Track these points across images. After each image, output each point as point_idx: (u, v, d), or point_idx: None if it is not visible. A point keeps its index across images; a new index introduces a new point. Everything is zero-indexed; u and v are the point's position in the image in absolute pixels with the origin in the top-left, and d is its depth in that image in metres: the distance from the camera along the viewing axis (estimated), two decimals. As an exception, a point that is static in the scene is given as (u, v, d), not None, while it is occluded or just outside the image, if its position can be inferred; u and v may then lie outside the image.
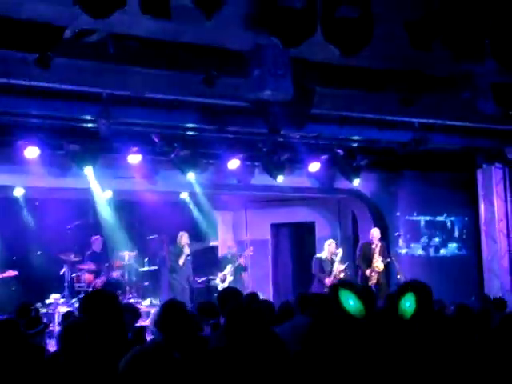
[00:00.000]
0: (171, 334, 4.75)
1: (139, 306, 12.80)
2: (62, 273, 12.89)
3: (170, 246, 13.25)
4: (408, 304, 3.54)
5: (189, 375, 3.29)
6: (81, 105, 9.24)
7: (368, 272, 12.45)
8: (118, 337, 4.42)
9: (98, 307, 4.43)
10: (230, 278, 13.33)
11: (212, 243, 13.64)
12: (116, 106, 9.21)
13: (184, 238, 12.85)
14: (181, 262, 12.67)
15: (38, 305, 10.75)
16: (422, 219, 14.19)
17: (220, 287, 13.24)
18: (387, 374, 3.45)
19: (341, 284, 3.69)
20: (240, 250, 14.06)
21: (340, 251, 12.84)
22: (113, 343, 4.21)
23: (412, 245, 14.06)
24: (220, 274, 13.50)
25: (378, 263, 12.46)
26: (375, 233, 12.83)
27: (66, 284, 12.91)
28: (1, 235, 12.25)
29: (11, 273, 12.32)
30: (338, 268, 12.60)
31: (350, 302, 3.50)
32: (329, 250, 12.77)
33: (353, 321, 3.49)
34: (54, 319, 11.34)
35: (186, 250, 12.71)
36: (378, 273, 12.49)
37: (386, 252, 12.77)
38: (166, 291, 13.48)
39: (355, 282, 12.00)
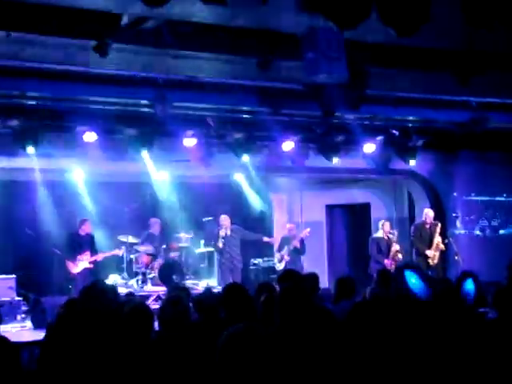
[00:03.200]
0: (234, 314, 4.86)
1: (196, 287, 13.06)
2: (120, 254, 13.19)
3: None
4: (469, 288, 3.55)
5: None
6: (137, 90, 9.36)
7: (429, 252, 12.39)
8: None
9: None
10: (286, 259, 13.39)
11: (265, 239, 13.64)
12: (171, 90, 9.32)
13: (222, 220, 12.92)
14: (219, 243, 12.75)
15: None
16: (480, 199, 13.97)
17: (277, 267, 13.34)
18: (448, 355, 3.45)
19: (406, 265, 3.72)
20: (296, 232, 14.10)
21: (395, 232, 12.80)
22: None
23: (470, 225, 13.87)
24: (277, 255, 13.56)
25: (440, 243, 12.44)
26: (430, 213, 12.76)
27: (124, 265, 13.22)
28: (62, 218, 12.55)
29: (117, 251, 12.67)
30: (395, 248, 12.56)
31: (415, 282, 3.52)
32: (384, 229, 12.72)
33: (417, 301, 3.51)
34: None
35: (222, 232, 12.78)
36: (440, 252, 12.47)
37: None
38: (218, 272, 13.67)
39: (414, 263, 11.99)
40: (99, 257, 12.14)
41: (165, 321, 4.56)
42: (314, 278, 6.87)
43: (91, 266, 11.96)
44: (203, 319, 5.29)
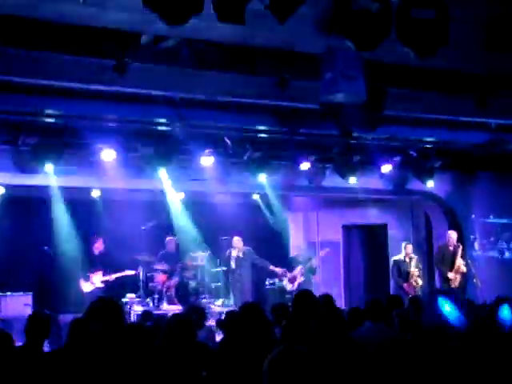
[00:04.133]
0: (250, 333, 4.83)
1: (212, 306, 13.01)
2: (136, 273, 13.18)
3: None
4: (505, 314, 3.48)
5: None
6: (155, 108, 9.40)
7: (450, 275, 12.30)
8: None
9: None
10: (300, 279, 13.32)
11: (271, 268, 13.58)
12: (189, 109, 9.36)
13: (235, 242, 12.94)
14: (232, 264, 12.75)
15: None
16: (499, 222, 13.83)
17: (288, 288, 13.28)
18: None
19: (439, 291, 3.67)
20: (310, 252, 14.05)
21: (415, 257, 12.71)
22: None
23: (488, 248, 13.73)
24: (288, 275, 13.51)
25: (462, 266, 12.36)
26: (453, 235, 12.69)
27: (140, 284, 13.21)
28: (78, 235, 12.58)
29: (130, 272, 12.62)
30: (414, 274, 12.47)
31: (449, 309, 3.45)
32: (406, 251, 12.65)
33: (452, 330, 3.44)
34: (129, 318, 11.59)
35: (234, 253, 12.79)
36: (461, 275, 12.38)
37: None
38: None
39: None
40: (111, 277, 12.11)
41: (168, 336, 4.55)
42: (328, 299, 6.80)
43: (103, 285, 11.95)
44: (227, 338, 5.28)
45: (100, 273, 11.96)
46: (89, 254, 12.11)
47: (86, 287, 11.85)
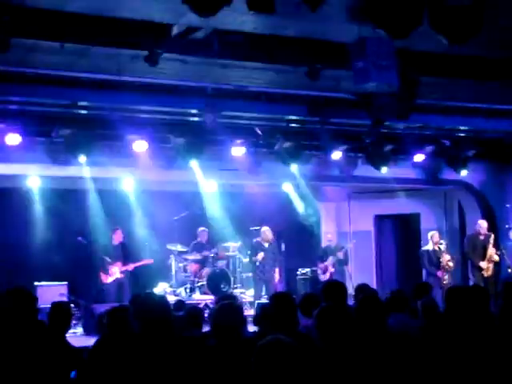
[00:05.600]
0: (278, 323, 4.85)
1: (243, 296, 13.06)
2: (169, 262, 13.29)
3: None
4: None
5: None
6: (187, 99, 9.44)
7: (483, 264, 12.20)
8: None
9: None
10: (331, 270, 13.31)
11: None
12: (220, 99, 9.38)
13: (266, 232, 12.88)
14: (260, 255, 12.70)
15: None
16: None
17: (321, 278, 13.26)
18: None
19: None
20: (342, 241, 14.01)
21: (443, 242, 12.63)
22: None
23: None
24: (321, 265, 13.50)
25: (494, 255, 12.25)
26: (483, 224, 12.56)
27: (172, 273, 13.32)
28: (112, 226, 12.70)
29: (148, 260, 12.67)
30: (445, 258, 12.38)
31: None
32: (433, 241, 12.56)
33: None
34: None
35: (265, 244, 12.78)
36: (494, 264, 12.28)
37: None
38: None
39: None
40: (130, 267, 12.19)
41: (218, 326, 4.55)
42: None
43: (122, 275, 12.06)
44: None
45: (119, 263, 12.07)
46: (108, 246, 12.24)
47: (107, 278, 11.99)
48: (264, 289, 12.67)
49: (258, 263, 12.63)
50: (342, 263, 13.44)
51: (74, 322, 11.19)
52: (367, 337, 4.20)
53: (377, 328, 4.45)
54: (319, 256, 13.73)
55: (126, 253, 12.30)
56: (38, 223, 12.82)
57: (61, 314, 5.66)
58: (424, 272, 12.60)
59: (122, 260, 12.13)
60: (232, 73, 8.51)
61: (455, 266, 12.57)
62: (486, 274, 12.15)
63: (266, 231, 12.85)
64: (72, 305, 11.51)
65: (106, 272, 12.00)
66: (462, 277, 13.64)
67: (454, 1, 5.71)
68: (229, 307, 4.56)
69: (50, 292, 11.36)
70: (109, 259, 12.04)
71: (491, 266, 12.27)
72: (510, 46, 7.89)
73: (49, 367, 4.76)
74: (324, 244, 14.23)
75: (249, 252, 13.12)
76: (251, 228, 14.20)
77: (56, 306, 5.82)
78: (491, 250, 12.28)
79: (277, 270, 12.93)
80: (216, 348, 4.31)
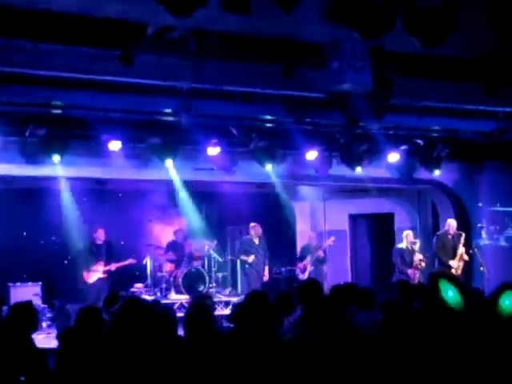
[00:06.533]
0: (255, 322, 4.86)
1: (219, 296, 13.06)
2: (144, 262, 13.24)
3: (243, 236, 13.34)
4: (507, 302, 3.46)
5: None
6: (161, 99, 9.41)
7: (452, 263, 12.30)
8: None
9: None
10: (309, 269, 13.35)
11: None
12: (195, 99, 9.36)
13: (255, 228, 12.88)
14: (250, 259, 12.69)
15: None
16: (506, 210, 13.79)
17: (301, 277, 13.30)
18: (477, 367, 3.40)
19: (441, 274, 3.65)
20: (319, 241, 14.06)
21: (417, 241, 12.73)
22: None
23: (495, 236, 13.70)
24: (300, 265, 13.53)
25: (464, 254, 12.35)
26: (452, 223, 12.67)
27: (148, 273, 13.28)
28: (86, 225, 12.63)
29: (131, 261, 12.60)
30: (418, 257, 12.48)
31: (450, 293, 3.46)
32: (407, 240, 12.66)
33: (451, 312, 3.45)
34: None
35: (256, 240, 12.79)
36: (464, 263, 12.38)
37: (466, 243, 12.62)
38: (243, 281, 13.66)
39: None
40: (113, 267, 12.13)
41: (190, 325, 4.55)
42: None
43: (105, 275, 11.99)
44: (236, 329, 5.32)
45: (102, 263, 12.00)
46: (91, 245, 12.15)
47: (89, 278, 11.90)
48: (254, 286, 12.61)
49: (248, 264, 12.66)
50: (320, 262, 13.49)
51: (48, 322, 11.16)
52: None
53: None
54: (298, 255, 13.75)
55: (110, 252, 12.22)
56: (12, 224, 12.70)
57: (21, 314, 5.59)
58: (396, 269, 12.68)
59: (104, 259, 12.05)
60: (207, 72, 8.49)
61: (428, 264, 12.67)
62: (455, 273, 12.23)
63: (256, 226, 12.86)
64: (46, 305, 11.54)
65: (89, 271, 11.91)
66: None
67: (425, 2, 5.76)
68: (199, 306, 4.58)
69: (24, 292, 11.28)
70: (92, 258, 11.95)
71: (461, 264, 12.37)
72: (482, 46, 7.97)
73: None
74: (303, 243, 14.25)
75: (241, 249, 13.04)
76: (227, 228, 14.22)
77: (15, 306, 5.76)
78: (461, 249, 12.37)
79: (266, 268, 12.94)
80: (188, 345, 4.32)
